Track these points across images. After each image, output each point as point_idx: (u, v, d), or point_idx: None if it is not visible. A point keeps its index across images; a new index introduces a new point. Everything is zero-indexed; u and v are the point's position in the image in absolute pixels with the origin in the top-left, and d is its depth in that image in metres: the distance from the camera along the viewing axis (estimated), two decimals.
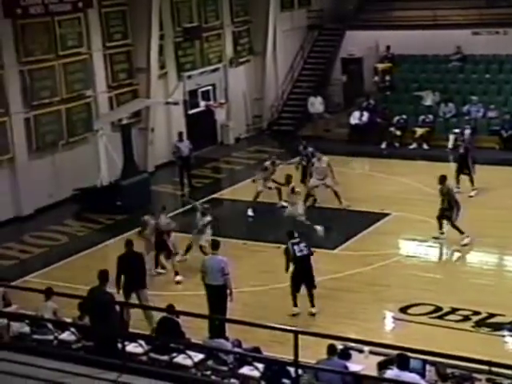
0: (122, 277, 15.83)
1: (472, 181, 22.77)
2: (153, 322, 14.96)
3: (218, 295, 15.35)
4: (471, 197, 22.35)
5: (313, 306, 16.44)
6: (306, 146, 23.84)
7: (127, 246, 16.22)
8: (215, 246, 15.80)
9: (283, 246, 19.30)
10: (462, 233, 19.54)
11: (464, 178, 22.87)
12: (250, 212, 22.51)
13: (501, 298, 16.71)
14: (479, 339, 15.21)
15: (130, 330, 14.51)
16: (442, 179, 19.82)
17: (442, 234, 19.85)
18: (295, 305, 16.44)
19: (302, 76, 33.37)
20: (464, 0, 32.34)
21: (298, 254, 16.10)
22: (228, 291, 15.35)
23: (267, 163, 23.12)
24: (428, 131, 28.77)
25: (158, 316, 13.89)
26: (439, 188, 19.80)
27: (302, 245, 16.22)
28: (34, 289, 15.33)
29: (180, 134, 25.80)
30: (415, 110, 29.89)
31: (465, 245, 19.53)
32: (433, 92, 30.16)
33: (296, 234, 16.50)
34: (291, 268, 16.35)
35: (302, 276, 16.29)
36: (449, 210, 19.56)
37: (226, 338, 13.26)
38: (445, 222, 19.71)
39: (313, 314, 16.40)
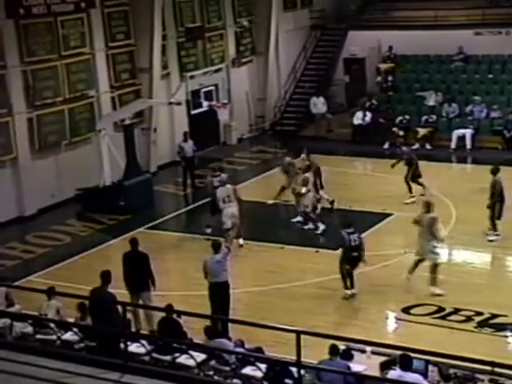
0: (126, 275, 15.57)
1: (422, 185, 22.45)
2: (152, 323, 14.94)
3: (221, 292, 15.36)
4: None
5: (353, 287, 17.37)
6: (308, 153, 23.66)
7: (131, 245, 15.70)
8: (215, 247, 15.65)
9: (286, 247, 19.38)
10: (495, 230, 19.66)
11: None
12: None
13: (503, 298, 16.67)
14: (482, 340, 15.18)
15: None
16: (494, 170, 19.71)
17: (498, 235, 19.78)
18: (347, 287, 17.20)
19: (305, 76, 33.37)
20: (466, 0, 32.36)
21: (353, 244, 17.23)
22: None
23: (288, 159, 23.14)
24: (431, 131, 28.73)
25: (159, 317, 13.88)
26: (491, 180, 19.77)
27: (356, 235, 17.39)
28: (37, 289, 15.30)
29: (185, 134, 25.82)
30: (418, 111, 29.87)
31: (490, 241, 19.66)
32: (435, 92, 30.15)
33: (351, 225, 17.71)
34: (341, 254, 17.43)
35: (352, 262, 17.28)
36: (492, 205, 19.54)
37: (229, 338, 13.26)
38: (497, 221, 19.70)
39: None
